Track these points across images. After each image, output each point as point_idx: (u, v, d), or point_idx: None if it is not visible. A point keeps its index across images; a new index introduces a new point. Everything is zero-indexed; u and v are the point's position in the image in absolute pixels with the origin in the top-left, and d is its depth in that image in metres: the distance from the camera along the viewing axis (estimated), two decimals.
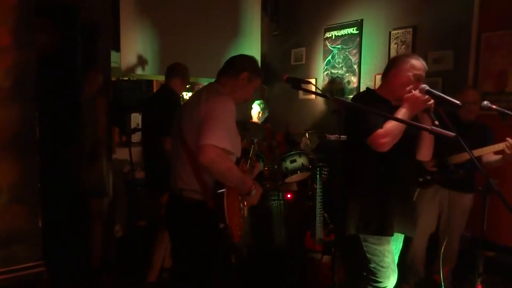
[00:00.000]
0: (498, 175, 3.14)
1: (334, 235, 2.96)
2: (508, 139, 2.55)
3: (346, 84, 4.52)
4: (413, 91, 1.96)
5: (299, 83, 1.76)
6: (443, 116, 1.91)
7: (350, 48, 4.45)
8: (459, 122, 2.83)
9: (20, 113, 1.38)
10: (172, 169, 2.01)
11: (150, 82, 5.34)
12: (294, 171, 3.78)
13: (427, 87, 1.96)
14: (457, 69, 3.54)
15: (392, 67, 2.13)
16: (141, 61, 4.56)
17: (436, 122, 1.85)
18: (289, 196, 3.77)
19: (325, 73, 4.77)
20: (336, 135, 1.75)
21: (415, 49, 3.86)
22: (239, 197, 2.01)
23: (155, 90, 5.95)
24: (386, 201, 2.09)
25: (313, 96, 5.00)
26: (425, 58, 3.73)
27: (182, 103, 3.24)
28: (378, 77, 4.20)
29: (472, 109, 2.84)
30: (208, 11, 4.72)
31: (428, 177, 2.80)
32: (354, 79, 4.43)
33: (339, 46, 4.57)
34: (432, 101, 1.92)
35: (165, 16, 4.52)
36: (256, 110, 4.32)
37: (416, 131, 2.10)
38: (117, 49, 4.58)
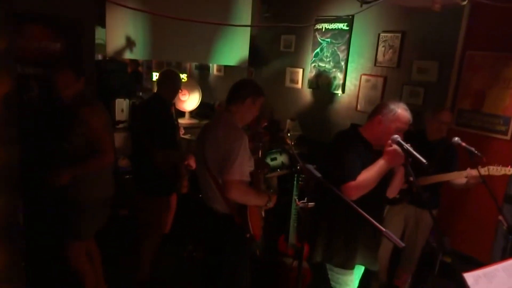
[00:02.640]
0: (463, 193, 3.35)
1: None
2: (468, 170, 2.72)
3: (333, 79, 4.54)
4: (395, 145, 2.03)
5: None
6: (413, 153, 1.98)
7: (339, 43, 4.43)
8: (426, 141, 3.02)
9: (7, 205, 1.46)
10: (201, 188, 2.41)
11: (136, 62, 5.15)
12: (274, 169, 3.94)
13: (399, 138, 2.04)
14: (440, 82, 3.60)
15: (378, 113, 2.17)
16: (128, 42, 4.43)
17: (411, 179, 1.97)
18: None
19: (313, 65, 4.76)
20: (303, 201, 1.86)
21: (401, 55, 3.88)
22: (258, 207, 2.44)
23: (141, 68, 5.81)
24: (353, 238, 2.24)
25: (299, 85, 5.03)
26: (410, 66, 3.81)
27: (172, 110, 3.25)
28: (364, 78, 4.24)
29: (443, 128, 3.02)
30: None
31: (397, 196, 2.97)
32: (340, 76, 4.46)
33: (328, 39, 4.54)
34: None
35: None
36: None
37: (389, 174, 2.21)
38: (103, 25, 4.43)
